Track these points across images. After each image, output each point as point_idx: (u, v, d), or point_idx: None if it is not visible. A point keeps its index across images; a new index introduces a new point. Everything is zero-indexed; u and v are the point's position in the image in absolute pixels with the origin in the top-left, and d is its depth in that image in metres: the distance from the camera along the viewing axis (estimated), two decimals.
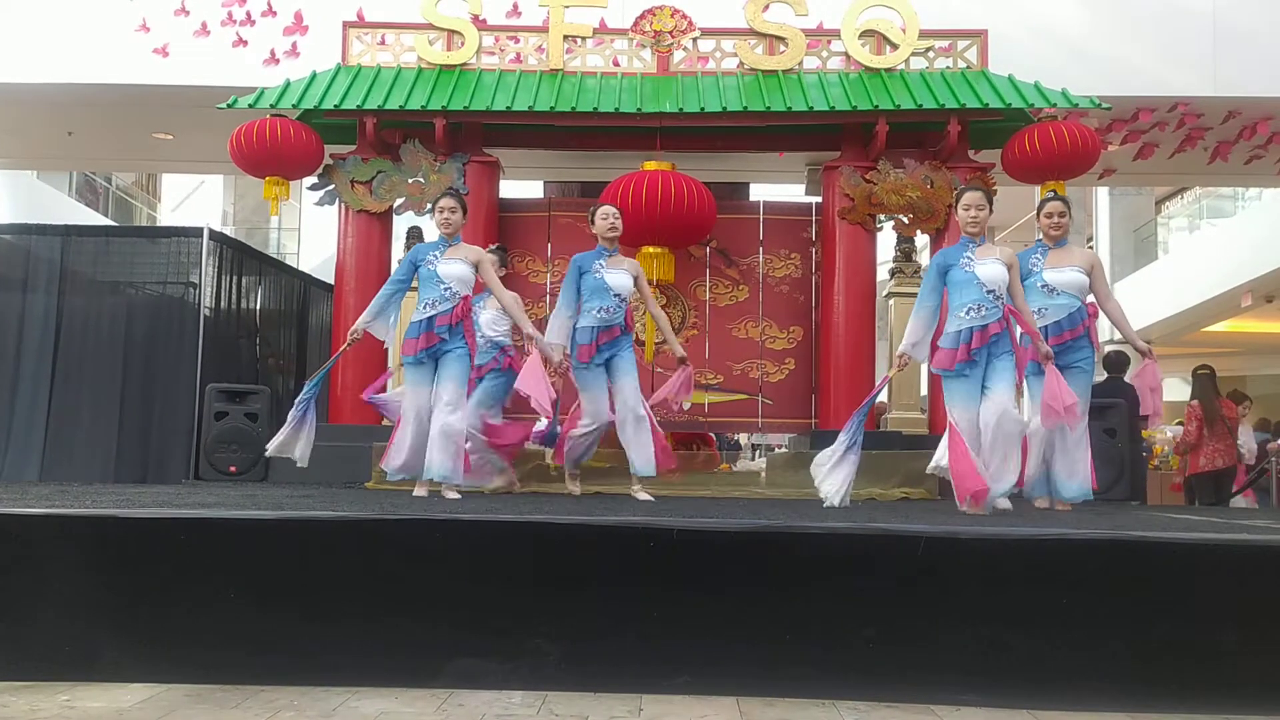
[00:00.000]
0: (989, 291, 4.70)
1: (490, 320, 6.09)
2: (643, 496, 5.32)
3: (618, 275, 5.50)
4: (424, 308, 5.31)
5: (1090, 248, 17.60)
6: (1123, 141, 9.25)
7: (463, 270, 5.36)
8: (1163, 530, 3.45)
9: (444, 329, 5.25)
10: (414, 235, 8.65)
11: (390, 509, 3.83)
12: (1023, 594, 3.03)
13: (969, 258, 4.79)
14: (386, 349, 6.51)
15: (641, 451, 5.34)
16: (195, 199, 20.34)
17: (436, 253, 5.41)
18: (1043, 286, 5.25)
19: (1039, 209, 5.58)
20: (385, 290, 5.45)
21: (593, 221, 5.61)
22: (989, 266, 4.74)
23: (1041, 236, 5.54)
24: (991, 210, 4.88)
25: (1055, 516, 4.66)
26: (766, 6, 7.76)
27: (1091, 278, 5.32)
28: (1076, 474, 5.12)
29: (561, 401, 6.04)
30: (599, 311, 5.44)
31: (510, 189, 9.26)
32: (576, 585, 3.11)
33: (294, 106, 7.45)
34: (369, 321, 5.37)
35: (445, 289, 5.31)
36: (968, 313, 4.71)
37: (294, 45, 8.70)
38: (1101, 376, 7.89)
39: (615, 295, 5.48)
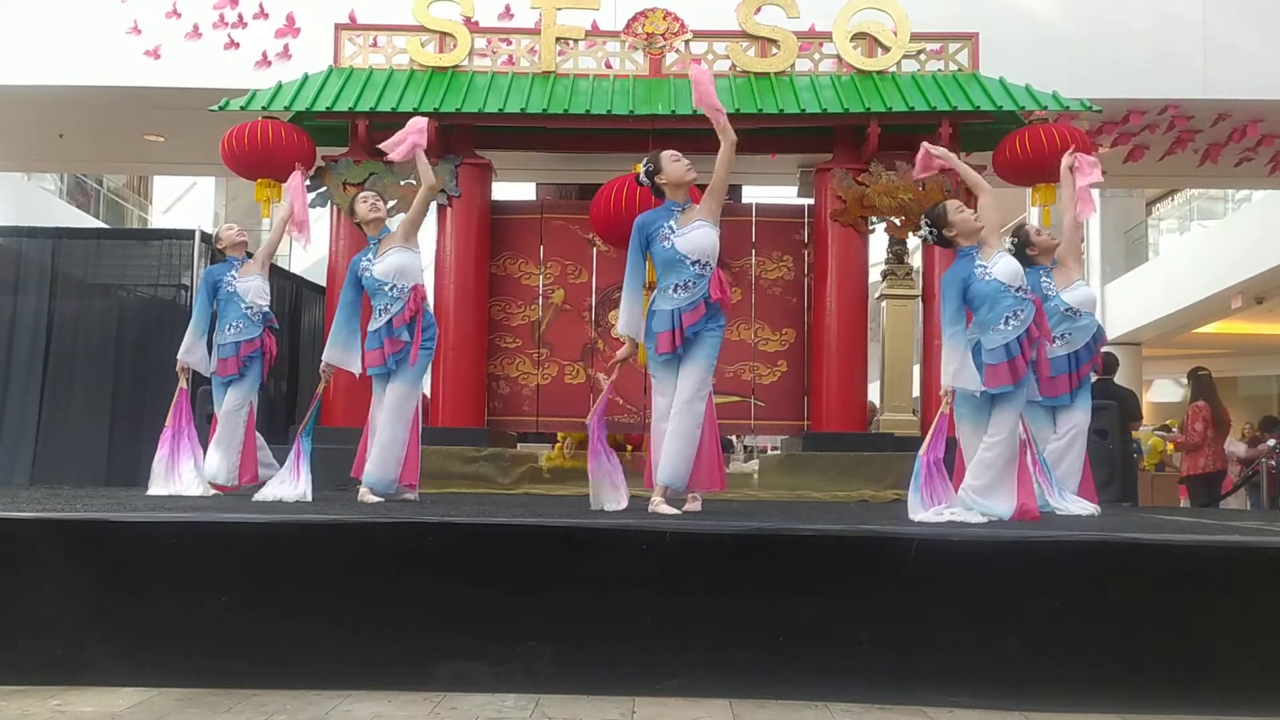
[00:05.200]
0: (1018, 290, 4.30)
1: (257, 290, 5.72)
2: (664, 510, 4.15)
3: (692, 236, 4.35)
4: (379, 314, 5.08)
5: (1081, 249, 17.64)
6: (1113, 144, 9.28)
7: (398, 259, 5.05)
8: (1155, 532, 3.46)
9: (402, 330, 5.00)
10: None
11: (382, 512, 3.83)
12: (1015, 596, 3.03)
13: (982, 266, 4.35)
14: None
15: (674, 453, 4.30)
16: (186, 201, 20.29)
17: (370, 257, 5.12)
18: (1065, 310, 5.12)
19: (1025, 236, 5.34)
20: (339, 317, 5.20)
21: (658, 169, 4.46)
22: (1003, 265, 4.34)
23: (1039, 258, 5.31)
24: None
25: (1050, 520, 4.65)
26: (758, 9, 7.77)
27: (1065, 228, 5.46)
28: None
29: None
30: (675, 290, 4.36)
31: (502, 191, 9.26)
32: (569, 588, 3.11)
33: (286, 109, 7.44)
34: (337, 356, 5.17)
35: (391, 288, 5.04)
36: (1007, 322, 4.29)
37: (285, 47, 8.69)
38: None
39: (694, 263, 4.34)
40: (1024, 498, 4.27)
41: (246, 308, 5.66)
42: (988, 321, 4.34)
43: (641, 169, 4.54)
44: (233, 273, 5.75)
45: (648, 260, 4.55)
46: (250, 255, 5.93)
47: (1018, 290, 4.31)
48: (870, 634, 3.01)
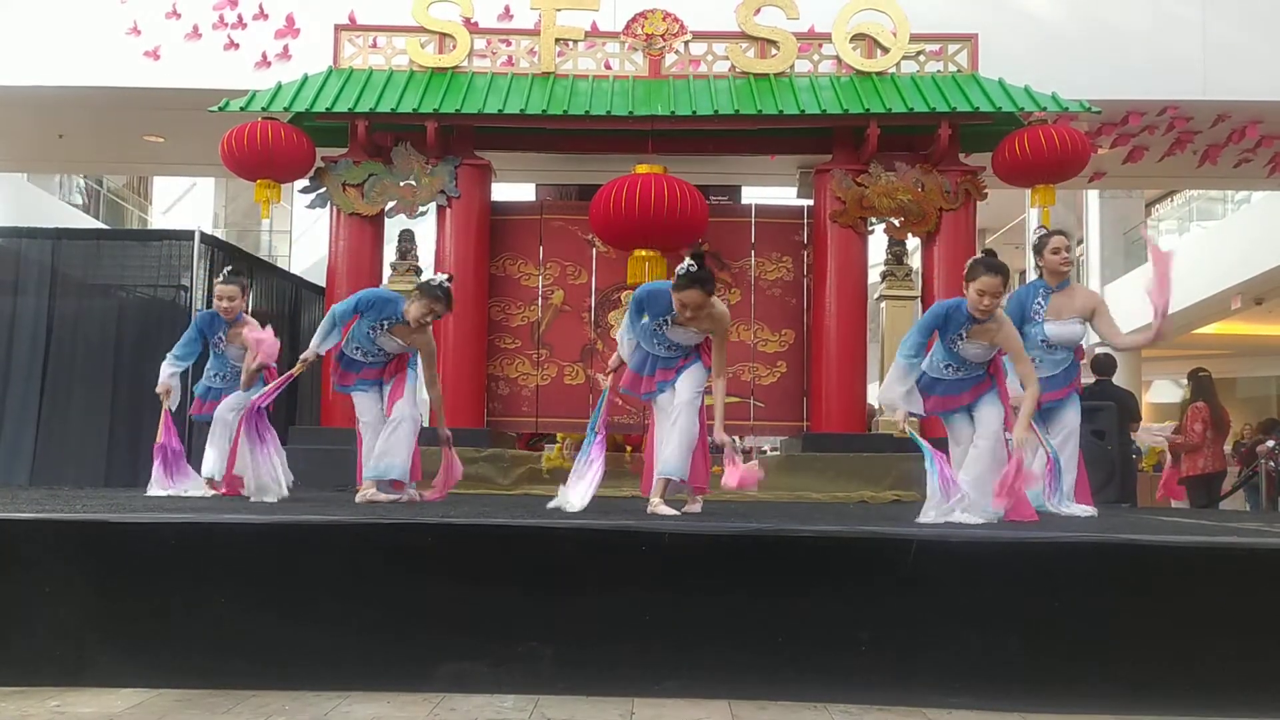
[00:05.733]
0: (966, 363, 4.40)
1: (241, 357, 5.72)
2: (664, 510, 4.24)
3: (683, 334, 4.56)
4: (360, 353, 5.16)
5: (1080, 255, 17.67)
6: (1112, 145, 9.29)
7: (396, 350, 5.19)
8: (1153, 533, 3.46)
9: (372, 382, 5.20)
10: (406, 238, 8.64)
11: (381, 513, 3.83)
12: (1014, 597, 3.03)
13: (960, 335, 4.33)
14: None
15: (676, 446, 4.46)
16: (186, 201, 20.29)
17: (386, 322, 5.06)
18: (1042, 341, 5.00)
19: (1042, 244, 5.17)
20: (329, 321, 5.19)
21: (673, 284, 4.34)
22: (972, 348, 4.35)
23: (1045, 274, 5.16)
24: (1006, 289, 4.29)
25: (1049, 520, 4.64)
26: (758, 10, 7.78)
27: (1095, 320, 5.07)
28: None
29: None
30: (658, 346, 4.62)
31: (502, 192, 9.27)
32: (569, 589, 3.11)
33: (285, 109, 7.45)
34: (321, 345, 5.17)
35: (381, 353, 5.16)
36: (947, 368, 4.43)
37: (285, 48, 8.70)
38: (1090, 379, 7.90)
39: (680, 347, 4.63)
40: (1017, 495, 4.29)
41: (231, 366, 5.78)
42: (932, 358, 4.46)
43: (682, 267, 4.34)
44: (221, 333, 5.79)
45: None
46: (241, 317, 5.80)
47: (965, 364, 4.39)
48: (870, 635, 3.01)
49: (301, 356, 5.24)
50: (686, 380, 4.54)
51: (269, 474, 5.00)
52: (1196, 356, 15.05)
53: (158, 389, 5.70)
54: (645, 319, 4.55)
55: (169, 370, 5.72)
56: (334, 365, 5.27)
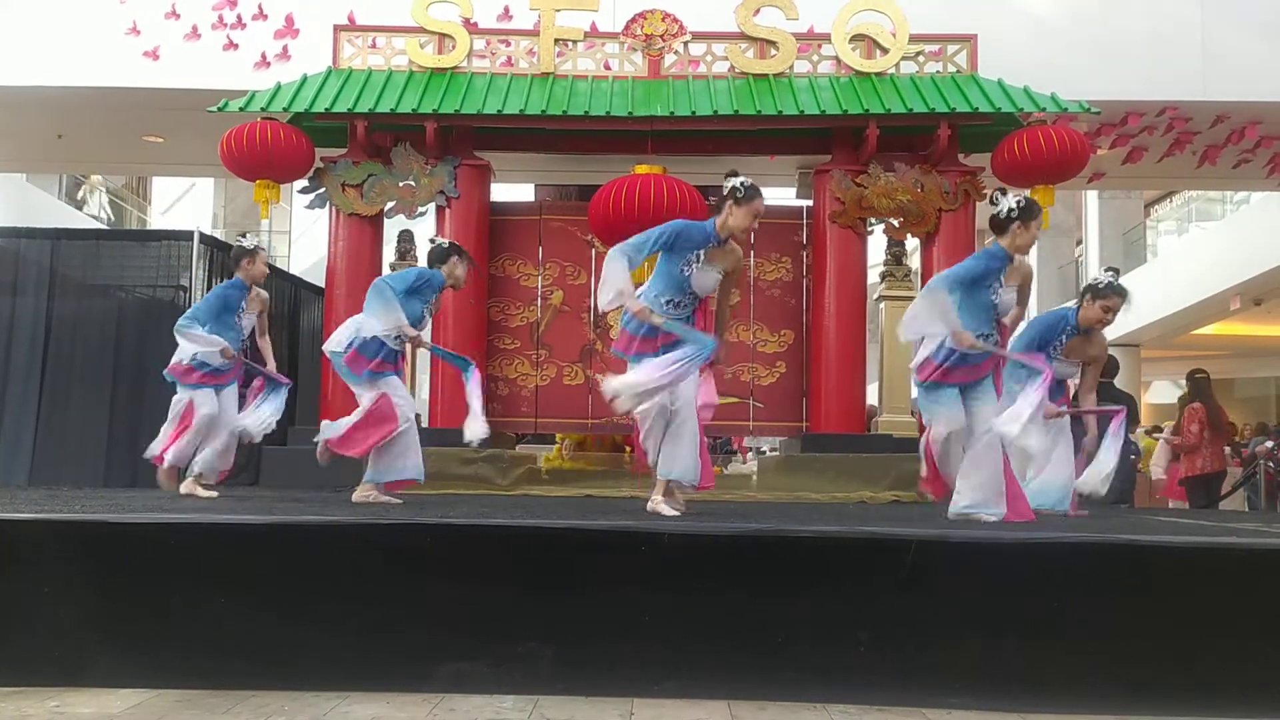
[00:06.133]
0: (997, 320, 4.43)
1: (247, 325, 5.85)
2: (666, 510, 4.18)
3: (707, 279, 4.42)
4: (395, 341, 5.06)
5: (1079, 255, 17.67)
6: (1112, 145, 9.30)
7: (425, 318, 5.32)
8: (1153, 533, 3.47)
9: (389, 373, 5.10)
10: (405, 238, 8.65)
11: (381, 513, 3.83)
12: (1014, 597, 3.03)
13: (1000, 281, 4.38)
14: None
15: (686, 449, 4.34)
16: (185, 202, 20.29)
17: (436, 296, 5.27)
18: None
19: (1099, 294, 4.98)
20: (387, 298, 5.03)
21: (733, 210, 4.33)
22: (1006, 294, 4.40)
23: (1081, 318, 5.02)
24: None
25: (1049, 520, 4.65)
26: (757, 10, 7.78)
27: (1087, 367, 5.13)
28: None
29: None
30: (666, 304, 4.40)
31: (501, 192, 9.26)
32: (568, 589, 3.11)
33: (285, 110, 7.45)
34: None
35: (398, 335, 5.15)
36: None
37: (285, 49, 8.70)
38: None
39: (695, 297, 4.47)
40: (1015, 496, 4.30)
41: (239, 339, 5.70)
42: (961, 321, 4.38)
43: (738, 184, 4.33)
44: (244, 303, 5.76)
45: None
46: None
47: (992, 325, 4.40)
48: (869, 635, 3.01)
49: (411, 339, 5.09)
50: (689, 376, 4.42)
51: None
52: (1195, 357, 15.05)
53: (227, 354, 5.56)
54: (660, 260, 4.41)
55: (208, 339, 5.55)
56: (354, 354, 5.01)
